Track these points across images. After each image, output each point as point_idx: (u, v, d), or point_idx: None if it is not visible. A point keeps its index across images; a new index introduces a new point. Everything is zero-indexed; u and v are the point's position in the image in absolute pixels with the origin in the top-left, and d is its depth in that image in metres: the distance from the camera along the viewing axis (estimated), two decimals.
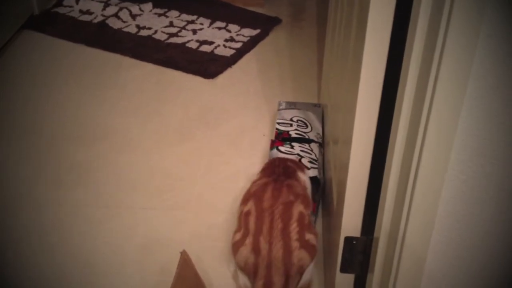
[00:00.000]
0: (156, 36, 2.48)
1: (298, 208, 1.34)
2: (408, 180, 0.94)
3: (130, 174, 1.79)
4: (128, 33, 2.51)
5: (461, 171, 0.91)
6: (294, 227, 1.30)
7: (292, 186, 1.39)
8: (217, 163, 1.84)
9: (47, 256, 1.53)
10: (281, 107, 1.87)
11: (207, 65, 2.30)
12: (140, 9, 2.67)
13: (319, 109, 1.86)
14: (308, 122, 1.77)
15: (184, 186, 1.76)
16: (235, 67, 2.32)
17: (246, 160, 1.85)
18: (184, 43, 2.44)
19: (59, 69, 2.28)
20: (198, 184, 1.76)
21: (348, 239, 1.20)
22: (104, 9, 2.66)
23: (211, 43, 2.45)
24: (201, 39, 2.47)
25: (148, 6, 2.69)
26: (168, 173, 1.80)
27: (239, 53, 2.39)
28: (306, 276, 1.33)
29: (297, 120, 1.77)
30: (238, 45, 2.44)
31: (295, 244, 1.29)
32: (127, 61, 2.33)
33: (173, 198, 1.71)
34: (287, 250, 1.28)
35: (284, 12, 2.72)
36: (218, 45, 2.43)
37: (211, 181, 1.78)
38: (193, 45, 2.43)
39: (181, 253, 1.31)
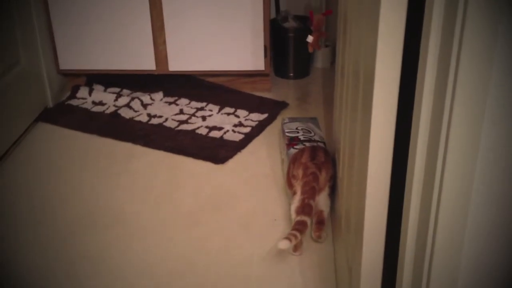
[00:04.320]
0: (167, 124, 2.55)
1: (322, 152, 1.98)
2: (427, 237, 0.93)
3: (143, 261, 1.79)
4: (140, 121, 2.57)
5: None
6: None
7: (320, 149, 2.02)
8: (229, 248, 1.84)
9: None
10: (285, 122, 2.32)
11: (217, 151, 2.34)
12: (151, 98, 2.75)
13: (316, 120, 2.33)
14: (310, 129, 2.22)
15: (197, 272, 1.74)
16: (244, 151, 2.36)
17: (258, 244, 1.84)
18: (194, 130, 2.50)
19: (72, 159, 2.33)
20: (211, 270, 1.75)
21: None
22: (116, 99, 2.74)
23: (220, 128, 2.50)
24: (210, 125, 2.53)
25: (159, 95, 2.77)
26: (181, 259, 1.79)
27: (248, 138, 2.44)
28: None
29: (302, 129, 2.22)
30: (247, 129, 2.49)
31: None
32: (139, 149, 2.38)
33: (187, 285, 1.69)
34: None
35: (290, 96, 2.80)
36: (227, 130, 2.48)
37: (224, 266, 1.76)
38: (203, 131, 2.49)
39: None
